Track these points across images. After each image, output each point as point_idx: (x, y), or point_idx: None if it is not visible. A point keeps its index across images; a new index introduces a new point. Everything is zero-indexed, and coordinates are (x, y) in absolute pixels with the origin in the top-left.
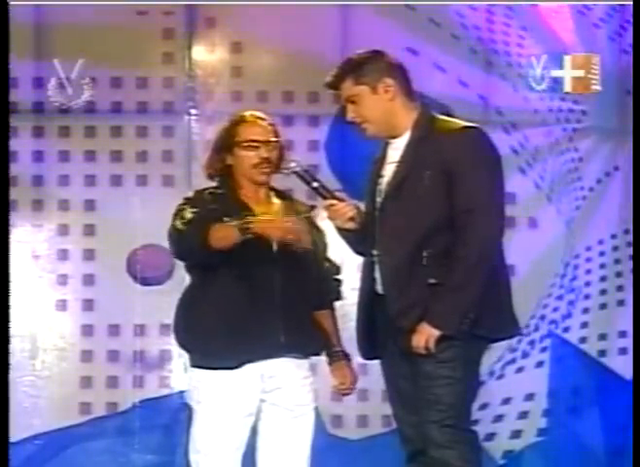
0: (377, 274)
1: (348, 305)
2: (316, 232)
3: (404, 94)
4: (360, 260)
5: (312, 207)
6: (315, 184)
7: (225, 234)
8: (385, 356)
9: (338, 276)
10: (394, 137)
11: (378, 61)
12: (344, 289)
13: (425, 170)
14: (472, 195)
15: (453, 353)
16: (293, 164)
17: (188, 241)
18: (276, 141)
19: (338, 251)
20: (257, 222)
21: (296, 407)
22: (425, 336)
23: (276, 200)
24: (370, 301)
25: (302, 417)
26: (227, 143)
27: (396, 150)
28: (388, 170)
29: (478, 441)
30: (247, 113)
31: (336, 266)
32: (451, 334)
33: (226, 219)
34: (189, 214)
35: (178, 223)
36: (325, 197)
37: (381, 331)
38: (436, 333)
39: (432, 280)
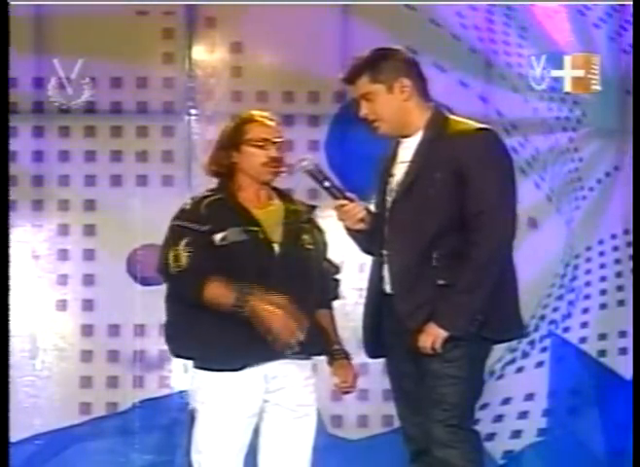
0: (385, 274)
1: (349, 305)
2: (317, 231)
3: (419, 95)
4: (361, 260)
5: (313, 208)
6: (327, 183)
7: (219, 297)
8: (390, 355)
9: (337, 276)
10: (405, 136)
11: (397, 60)
12: (345, 289)
13: (436, 171)
14: (483, 196)
15: (460, 353)
16: (305, 163)
17: (182, 290)
18: (282, 142)
19: (339, 251)
20: (257, 304)
21: (298, 407)
22: (432, 336)
23: (277, 201)
24: (377, 300)
25: (305, 418)
26: (234, 140)
27: (407, 149)
28: (399, 170)
29: (480, 440)
30: (256, 112)
31: (335, 266)
32: (459, 335)
33: (219, 236)
34: (184, 257)
35: (172, 266)
36: (336, 197)
37: (387, 330)
38: (443, 334)
39: (441, 281)
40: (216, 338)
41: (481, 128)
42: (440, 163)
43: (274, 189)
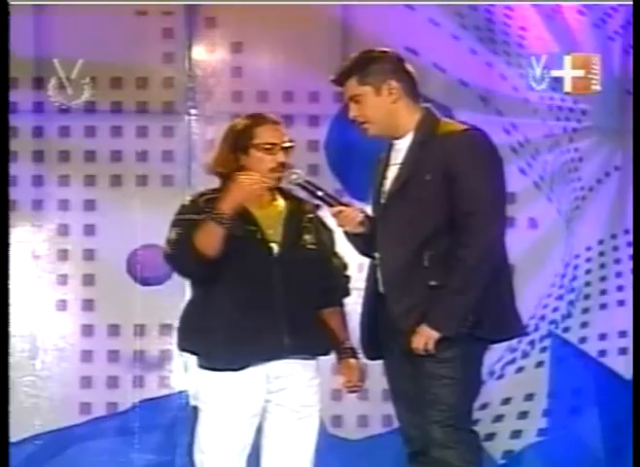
0: (379, 275)
1: (350, 305)
2: (324, 229)
3: (408, 96)
4: (360, 260)
5: (317, 206)
6: (320, 193)
7: (207, 235)
8: (388, 356)
9: (347, 272)
10: (396, 138)
11: (385, 62)
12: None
13: (427, 172)
14: (473, 196)
15: (454, 353)
16: (294, 177)
17: (180, 261)
18: (291, 146)
19: (342, 249)
20: (221, 202)
21: (301, 408)
22: (425, 338)
23: (280, 201)
24: (373, 301)
25: (308, 418)
26: (243, 143)
27: (399, 151)
28: (391, 172)
29: (478, 441)
30: (265, 115)
31: (343, 262)
32: (451, 336)
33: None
34: (173, 235)
35: (166, 247)
36: (332, 205)
37: (384, 331)
38: (435, 335)
39: (433, 282)
40: (220, 335)
41: (470, 129)
42: (430, 165)
43: (278, 188)
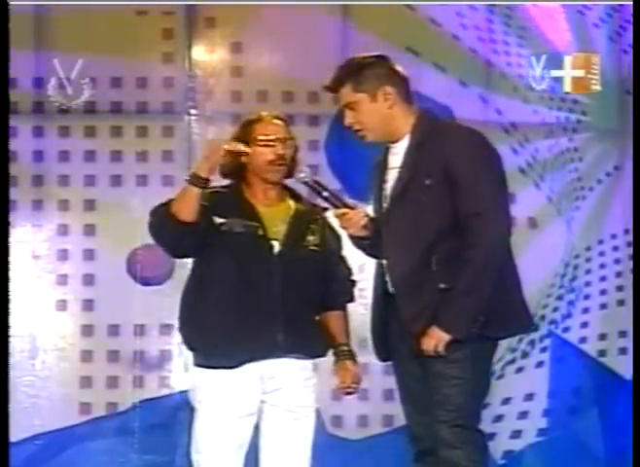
0: (388, 279)
1: (350, 306)
2: (331, 233)
3: (403, 100)
4: (361, 260)
5: (325, 209)
6: (326, 193)
7: (182, 197)
8: (397, 356)
9: (352, 277)
10: (393, 142)
11: (379, 67)
12: None
13: (427, 174)
14: (476, 197)
15: (463, 354)
16: (302, 175)
17: (157, 226)
18: (291, 139)
19: (346, 251)
20: (197, 165)
21: (297, 408)
22: (435, 340)
23: (290, 202)
24: (383, 301)
25: (304, 419)
26: (243, 140)
27: (396, 155)
28: (391, 176)
29: (484, 441)
30: (263, 113)
31: (349, 267)
32: (461, 337)
33: (219, 220)
34: (157, 206)
35: (149, 220)
36: (336, 206)
37: (393, 332)
38: (446, 337)
39: (442, 285)
40: (215, 331)
41: (468, 130)
42: (429, 167)
43: (288, 189)
